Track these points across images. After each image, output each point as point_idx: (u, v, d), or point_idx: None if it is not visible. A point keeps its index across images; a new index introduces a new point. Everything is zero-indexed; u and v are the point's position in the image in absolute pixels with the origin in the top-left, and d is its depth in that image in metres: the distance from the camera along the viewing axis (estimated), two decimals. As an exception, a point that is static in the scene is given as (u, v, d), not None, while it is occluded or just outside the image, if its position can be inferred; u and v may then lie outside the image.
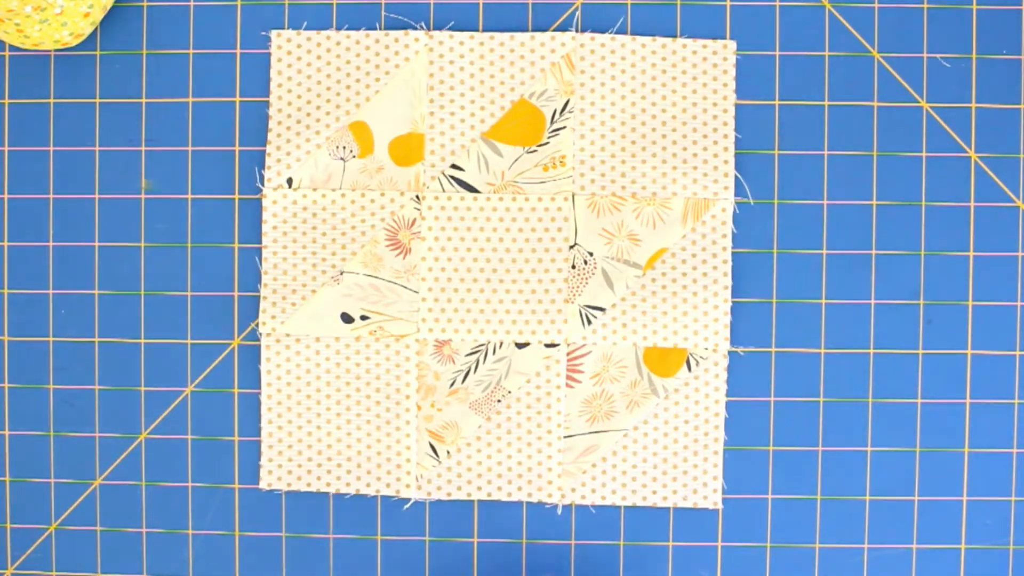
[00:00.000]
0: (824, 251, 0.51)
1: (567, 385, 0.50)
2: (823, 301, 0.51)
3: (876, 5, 0.51)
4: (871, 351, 0.51)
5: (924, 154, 0.51)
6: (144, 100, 0.51)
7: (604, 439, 0.50)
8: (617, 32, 0.51)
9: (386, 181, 0.51)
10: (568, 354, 0.50)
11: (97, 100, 0.52)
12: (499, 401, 0.51)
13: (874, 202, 0.51)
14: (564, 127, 0.50)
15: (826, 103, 0.51)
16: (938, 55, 0.51)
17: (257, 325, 0.51)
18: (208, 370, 0.51)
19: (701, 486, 0.50)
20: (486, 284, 0.50)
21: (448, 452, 0.51)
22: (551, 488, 0.50)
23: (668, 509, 0.51)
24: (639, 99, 0.50)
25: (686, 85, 0.50)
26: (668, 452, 0.49)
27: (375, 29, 0.51)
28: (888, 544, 0.51)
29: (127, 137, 0.52)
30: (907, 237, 0.51)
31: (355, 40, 0.51)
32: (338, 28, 0.51)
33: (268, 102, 0.51)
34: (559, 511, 0.51)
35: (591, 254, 0.50)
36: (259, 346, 0.51)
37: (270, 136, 0.51)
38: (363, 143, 0.51)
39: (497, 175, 0.51)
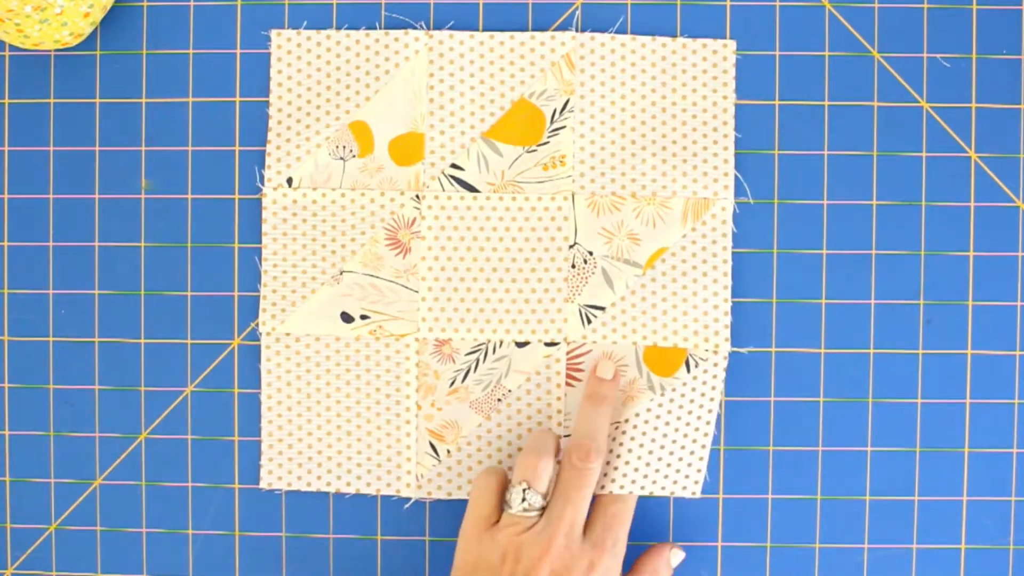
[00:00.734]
0: (824, 251, 0.51)
1: (567, 384, 0.50)
2: (823, 301, 0.51)
3: (876, 5, 0.51)
4: (871, 351, 0.51)
5: (924, 154, 0.51)
6: (144, 100, 0.51)
7: None
8: (617, 32, 0.51)
9: (386, 181, 0.51)
10: (568, 353, 0.50)
11: (97, 100, 0.52)
12: (499, 400, 0.51)
13: (874, 202, 0.51)
14: (564, 126, 0.50)
15: (826, 103, 0.51)
16: (938, 55, 0.51)
17: (257, 325, 0.51)
18: (208, 370, 0.51)
19: (683, 477, 0.49)
20: (486, 283, 0.50)
21: (448, 451, 0.51)
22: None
23: (668, 508, 0.51)
24: (639, 98, 0.50)
25: (686, 85, 0.50)
26: (655, 444, 0.49)
27: (376, 28, 0.51)
28: (888, 544, 0.51)
29: (127, 137, 0.52)
30: (907, 237, 0.51)
31: (355, 40, 0.51)
32: (338, 28, 0.51)
33: (268, 102, 0.51)
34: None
35: (591, 253, 0.50)
36: (259, 346, 0.51)
37: (270, 136, 0.51)
38: (363, 143, 0.51)
39: (497, 175, 0.51)
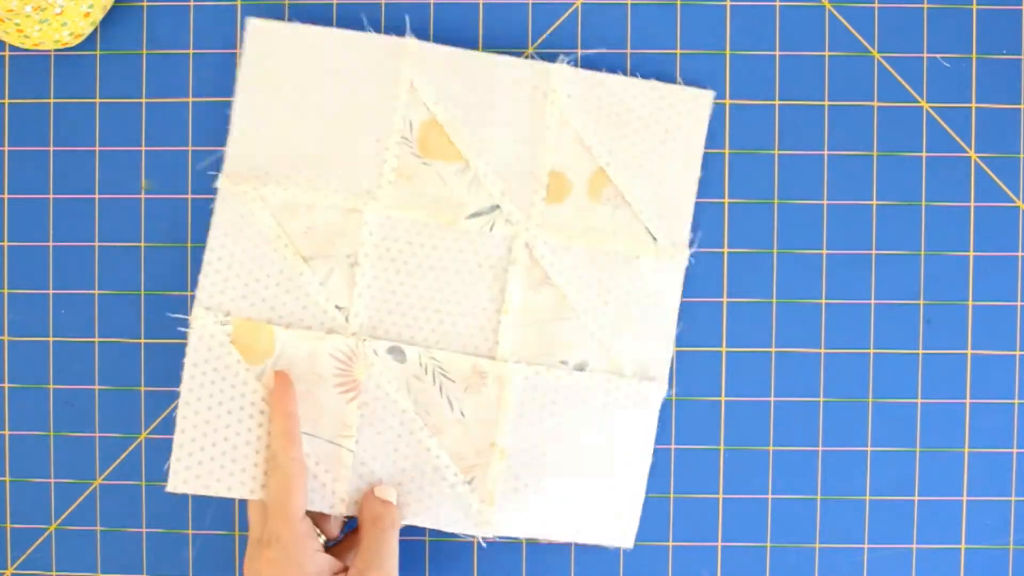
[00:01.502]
0: (824, 251, 0.51)
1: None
2: (823, 301, 0.51)
3: (876, 5, 0.51)
4: (871, 351, 0.51)
5: (924, 154, 0.51)
6: (144, 100, 0.51)
7: None
8: (616, 32, 0.51)
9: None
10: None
11: (97, 100, 0.52)
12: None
13: (874, 202, 0.51)
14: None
15: (826, 103, 0.51)
16: (938, 55, 0.51)
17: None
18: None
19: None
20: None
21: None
22: None
23: (668, 506, 0.51)
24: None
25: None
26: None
27: (376, 31, 0.51)
28: (888, 544, 0.51)
29: (127, 137, 0.52)
30: (907, 237, 0.51)
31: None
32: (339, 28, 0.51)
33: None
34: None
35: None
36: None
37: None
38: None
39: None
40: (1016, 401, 0.51)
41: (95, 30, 0.51)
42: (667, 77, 0.51)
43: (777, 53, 0.51)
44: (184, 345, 0.50)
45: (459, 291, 0.50)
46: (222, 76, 0.51)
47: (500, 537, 0.51)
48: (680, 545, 0.51)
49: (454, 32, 0.51)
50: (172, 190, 0.51)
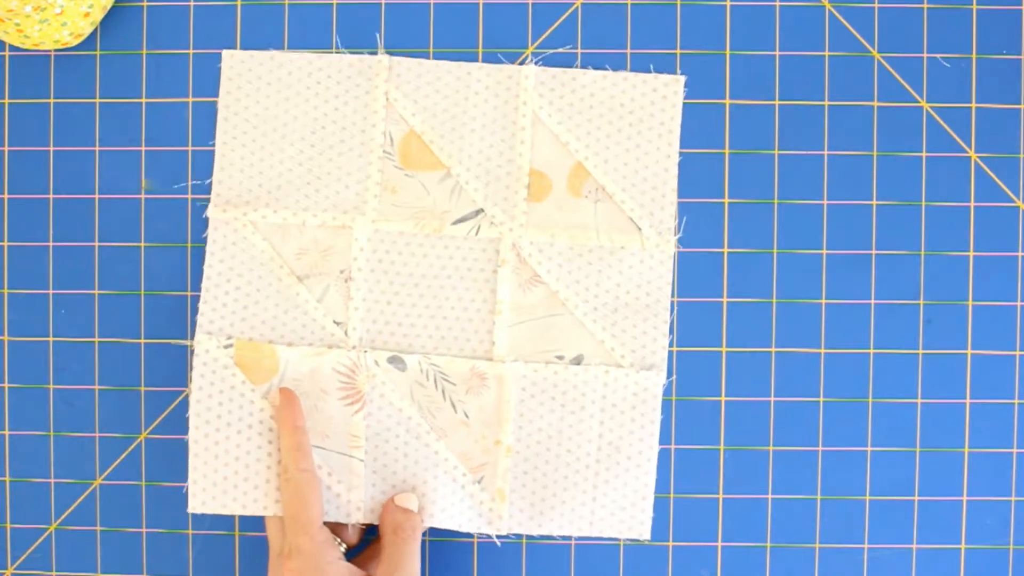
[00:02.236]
0: (824, 251, 0.51)
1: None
2: (823, 301, 0.51)
3: (876, 5, 0.51)
4: (871, 351, 0.51)
5: (924, 154, 0.51)
6: (144, 100, 0.51)
7: None
8: (616, 32, 0.51)
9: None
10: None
11: (97, 100, 0.52)
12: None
13: (874, 202, 0.51)
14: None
15: (826, 103, 0.51)
16: (938, 55, 0.51)
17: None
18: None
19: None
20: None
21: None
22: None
23: (668, 506, 0.51)
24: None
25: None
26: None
27: (376, 32, 0.51)
28: (888, 544, 0.51)
29: (127, 137, 0.52)
30: (907, 237, 0.51)
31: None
32: (339, 32, 0.51)
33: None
34: (559, 511, 0.51)
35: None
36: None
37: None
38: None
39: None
40: (1016, 401, 0.51)
41: (95, 30, 0.51)
42: (667, 77, 0.51)
43: (777, 53, 0.51)
44: (185, 346, 0.50)
45: (452, 296, 0.50)
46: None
47: (514, 535, 0.51)
48: (680, 545, 0.51)
49: (454, 32, 0.51)
50: (172, 190, 0.51)
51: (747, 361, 0.51)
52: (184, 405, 0.51)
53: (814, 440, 0.51)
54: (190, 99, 0.51)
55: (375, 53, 0.51)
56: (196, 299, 0.51)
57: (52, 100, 0.52)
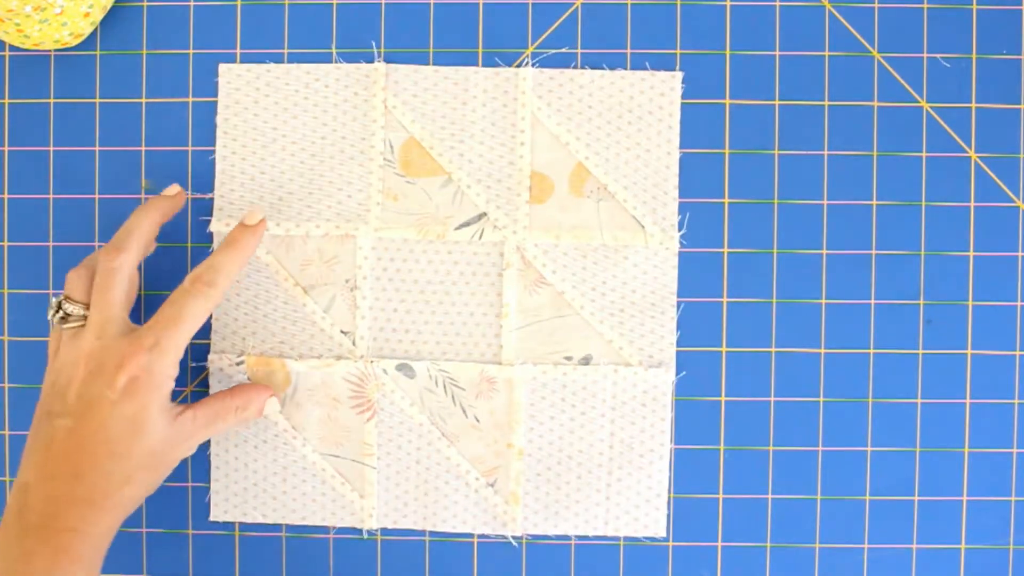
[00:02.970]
0: (824, 251, 0.51)
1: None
2: (823, 301, 0.51)
3: (876, 5, 0.51)
4: (871, 351, 0.51)
5: (924, 154, 0.51)
6: (144, 100, 0.51)
7: None
8: (616, 32, 0.51)
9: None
10: None
11: (97, 100, 0.52)
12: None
13: (874, 202, 0.51)
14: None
15: (826, 103, 0.51)
16: (938, 55, 0.51)
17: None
18: (208, 370, 0.51)
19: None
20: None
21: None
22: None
23: (668, 506, 0.51)
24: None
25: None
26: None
27: (376, 33, 0.51)
28: (888, 544, 0.51)
29: (127, 137, 0.52)
30: (907, 237, 0.51)
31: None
32: (339, 32, 0.51)
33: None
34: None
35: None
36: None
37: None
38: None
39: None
40: (1016, 401, 0.51)
41: (95, 30, 0.51)
42: (667, 77, 0.51)
43: (777, 53, 0.51)
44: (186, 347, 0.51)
45: (458, 301, 0.50)
46: (222, 76, 0.51)
47: (530, 536, 0.51)
48: (680, 545, 0.51)
49: (454, 33, 0.51)
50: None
51: (747, 361, 0.51)
52: (184, 405, 0.51)
53: (814, 440, 0.51)
54: (190, 99, 0.51)
55: (374, 55, 0.51)
56: (196, 299, 0.51)
57: (52, 100, 0.52)
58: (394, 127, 0.51)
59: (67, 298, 0.45)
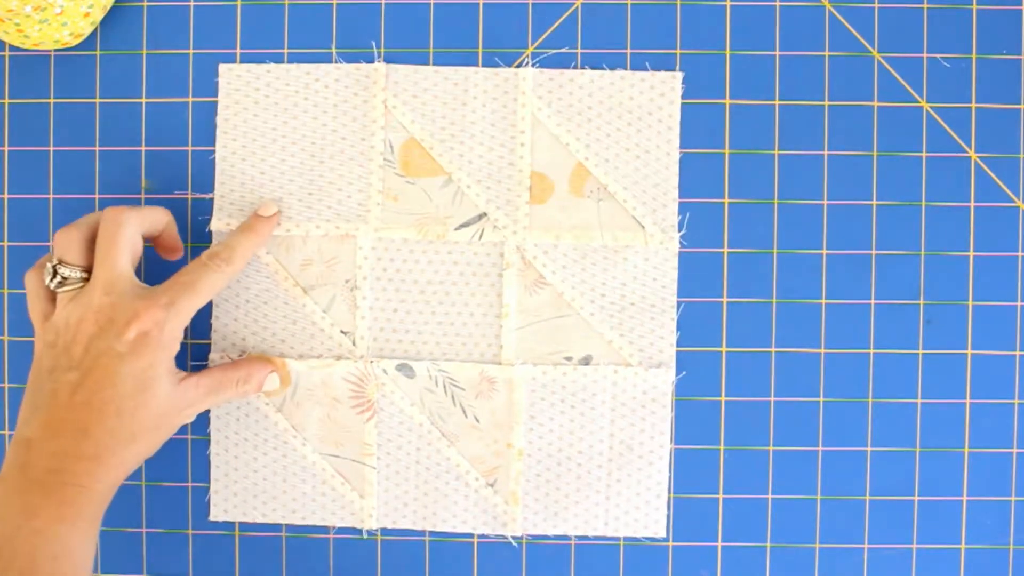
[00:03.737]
0: (824, 251, 0.51)
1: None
2: (823, 301, 0.51)
3: (876, 5, 0.51)
4: (871, 351, 0.51)
5: (924, 154, 0.51)
6: (144, 100, 0.51)
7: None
8: (616, 32, 0.51)
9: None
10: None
11: (97, 100, 0.52)
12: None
13: (874, 202, 0.51)
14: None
15: (826, 103, 0.51)
16: (938, 55, 0.51)
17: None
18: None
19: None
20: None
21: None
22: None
23: (668, 506, 0.51)
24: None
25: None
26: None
27: (376, 34, 0.51)
28: (888, 544, 0.51)
29: (127, 137, 0.52)
30: (907, 237, 0.51)
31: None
32: (339, 32, 0.51)
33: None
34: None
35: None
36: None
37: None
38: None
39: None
40: (1016, 401, 0.51)
41: (95, 30, 0.51)
42: (667, 77, 0.51)
43: (777, 53, 0.51)
44: (185, 345, 0.51)
45: (458, 301, 0.50)
46: (222, 76, 0.51)
47: (530, 536, 0.51)
48: (680, 545, 0.51)
49: (454, 33, 0.51)
50: (172, 190, 0.51)
51: (747, 361, 0.51)
52: (184, 405, 0.51)
53: (814, 440, 0.51)
54: (190, 99, 0.51)
55: (374, 55, 0.51)
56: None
57: (52, 100, 0.52)
58: (394, 127, 0.51)
59: (61, 261, 0.45)
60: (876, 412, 0.51)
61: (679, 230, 0.50)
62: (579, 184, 0.50)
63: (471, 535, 0.51)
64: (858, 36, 0.51)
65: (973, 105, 0.51)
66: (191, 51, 0.51)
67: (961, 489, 0.51)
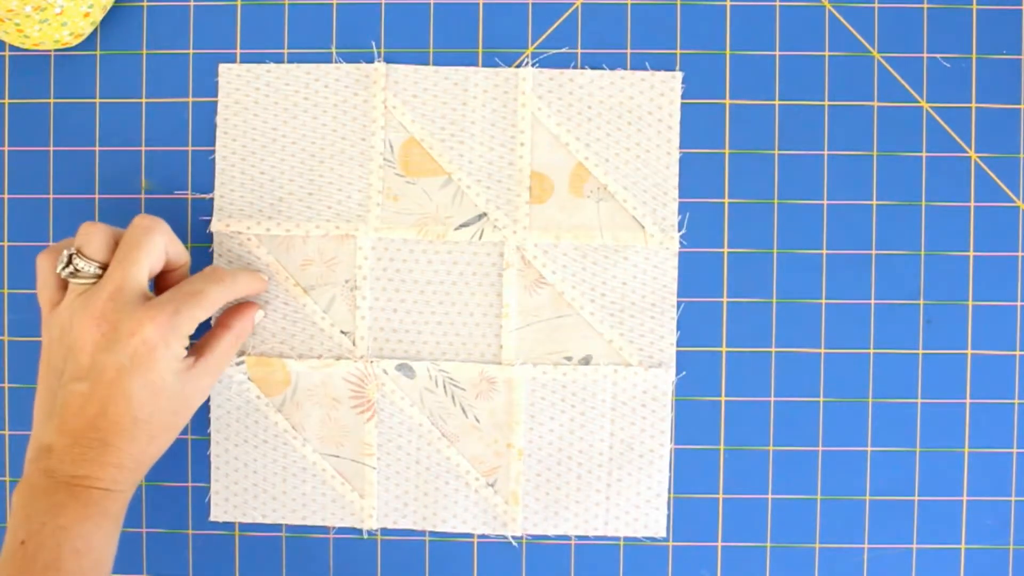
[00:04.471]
0: (824, 251, 0.51)
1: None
2: (823, 301, 0.51)
3: (876, 5, 0.51)
4: (871, 351, 0.51)
5: (924, 154, 0.51)
6: (144, 100, 0.52)
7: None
8: (616, 32, 0.51)
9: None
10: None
11: (97, 100, 0.52)
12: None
13: (874, 202, 0.51)
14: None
15: (826, 103, 0.51)
16: (938, 55, 0.51)
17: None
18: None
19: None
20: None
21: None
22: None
23: (668, 506, 0.51)
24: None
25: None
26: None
27: (375, 34, 0.51)
28: (888, 544, 0.51)
29: (127, 137, 0.52)
30: (907, 237, 0.51)
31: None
32: (339, 32, 0.51)
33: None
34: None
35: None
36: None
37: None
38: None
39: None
40: (1016, 401, 0.51)
41: (95, 30, 0.51)
42: (667, 77, 0.51)
43: (777, 53, 0.51)
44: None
45: (458, 301, 0.50)
46: (222, 76, 0.51)
47: (530, 536, 0.51)
48: (680, 545, 0.51)
49: (454, 33, 0.51)
50: (172, 190, 0.51)
51: (747, 361, 0.51)
52: (184, 405, 0.51)
53: (814, 440, 0.51)
54: (190, 99, 0.51)
55: (374, 55, 0.51)
56: (196, 299, 0.51)
57: (52, 100, 0.52)
58: (394, 127, 0.51)
59: (79, 253, 0.44)
60: (876, 412, 0.51)
61: (679, 230, 0.50)
62: (579, 184, 0.50)
63: (471, 535, 0.51)
64: (858, 36, 0.51)
65: (973, 105, 0.51)
66: (191, 51, 0.51)
67: (961, 489, 0.51)
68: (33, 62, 0.52)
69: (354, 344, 0.50)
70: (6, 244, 0.52)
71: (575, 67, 0.51)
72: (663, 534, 0.50)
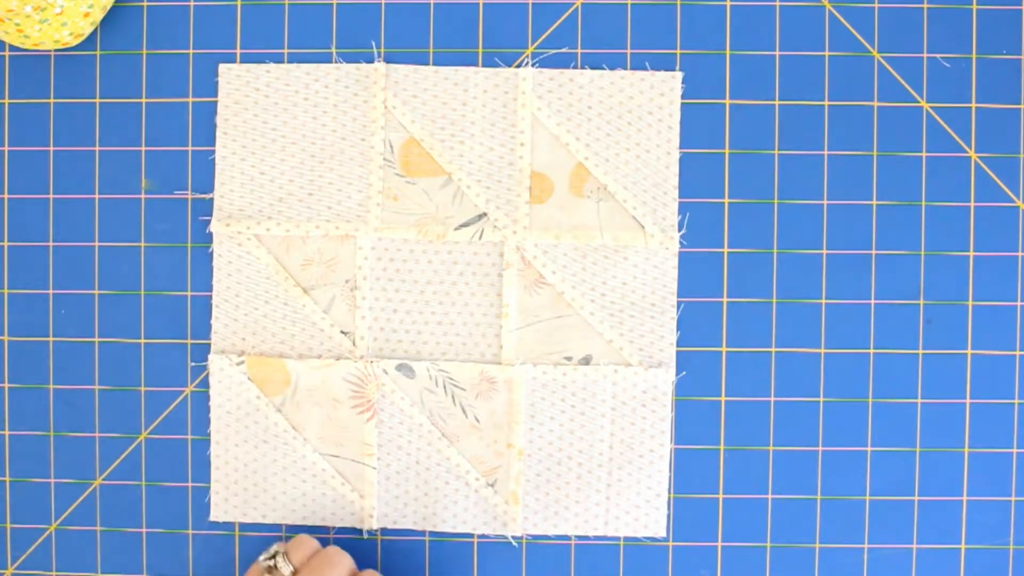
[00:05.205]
0: (824, 251, 0.51)
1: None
2: (823, 301, 0.51)
3: (876, 5, 0.51)
4: (871, 351, 0.51)
5: (924, 154, 0.51)
6: (144, 100, 0.52)
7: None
8: (616, 32, 0.51)
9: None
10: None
11: (97, 100, 0.52)
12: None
13: (874, 202, 0.51)
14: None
15: (826, 103, 0.51)
16: (938, 55, 0.51)
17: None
18: (208, 370, 0.51)
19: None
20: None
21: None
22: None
23: (668, 506, 0.51)
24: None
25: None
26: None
27: (375, 35, 0.51)
28: (888, 544, 0.51)
29: (127, 137, 0.52)
30: (907, 237, 0.51)
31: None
32: (339, 32, 0.51)
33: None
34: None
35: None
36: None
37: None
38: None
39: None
40: (1016, 401, 0.51)
41: (95, 30, 0.51)
42: (667, 77, 0.51)
43: (777, 53, 0.51)
44: (185, 346, 0.51)
45: (458, 301, 0.50)
46: (222, 76, 0.51)
47: (530, 536, 0.51)
48: (680, 545, 0.51)
49: (454, 33, 0.51)
50: (172, 190, 0.52)
51: (747, 361, 0.51)
52: (184, 405, 0.51)
53: (814, 440, 0.51)
54: (190, 99, 0.51)
55: (374, 56, 0.51)
56: (196, 299, 0.51)
57: (52, 100, 0.52)
58: (394, 127, 0.51)
59: (286, 554, 0.46)
60: (876, 412, 0.51)
61: (679, 230, 0.51)
62: (579, 184, 0.50)
63: (471, 535, 0.51)
64: (858, 36, 0.51)
65: (973, 105, 0.51)
66: (191, 51, 0.51)
67: (961, 489, 0.51)
68: (33, 62, 0.52)
69: (354, 344, 0.50)
70: (6, 244, 0.52)
71: (575, 67, 0.51)
72: (663, 534, 0.50)
